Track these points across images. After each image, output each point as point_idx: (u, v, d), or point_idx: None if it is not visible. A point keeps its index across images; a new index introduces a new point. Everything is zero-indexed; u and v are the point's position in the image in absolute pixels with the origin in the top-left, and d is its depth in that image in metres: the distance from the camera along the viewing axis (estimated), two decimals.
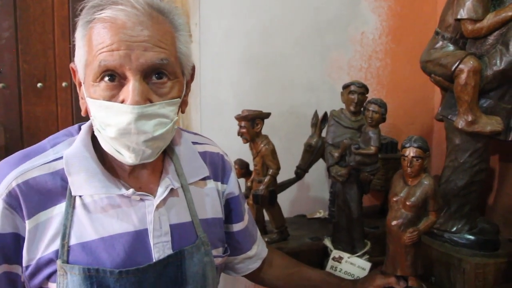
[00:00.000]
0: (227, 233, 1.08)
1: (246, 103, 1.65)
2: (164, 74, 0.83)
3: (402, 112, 2.08)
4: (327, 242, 1.51)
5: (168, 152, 0.96)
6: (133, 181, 0.91)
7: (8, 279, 0.84)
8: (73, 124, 1.00)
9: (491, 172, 1.65)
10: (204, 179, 1.01)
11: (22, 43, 2.02)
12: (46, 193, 0.84)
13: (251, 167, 1.60)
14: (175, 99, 0.85)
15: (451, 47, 1.40)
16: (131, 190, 0.87)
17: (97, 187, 0.85)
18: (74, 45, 0.86)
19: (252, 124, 1.46)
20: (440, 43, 1.42)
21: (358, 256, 1.42)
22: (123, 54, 0.78)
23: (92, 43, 0.80)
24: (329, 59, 2.00)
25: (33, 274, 0.84)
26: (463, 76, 1.29)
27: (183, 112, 0.93)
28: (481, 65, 1.29)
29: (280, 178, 1.57)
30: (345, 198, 1.45)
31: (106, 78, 0.80)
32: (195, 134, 1.10)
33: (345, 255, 1.43)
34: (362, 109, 1.47)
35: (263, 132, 1.50)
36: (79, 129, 0.93)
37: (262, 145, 1.48)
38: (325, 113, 1.62)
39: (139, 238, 0.87)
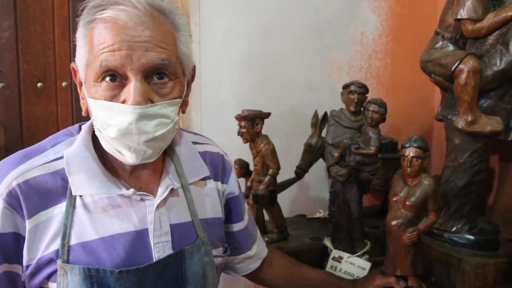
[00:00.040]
0: (227, 233, 1.09)
1: (246, 103, 1.65)
2: (165, 75, 0.83)
3: (402, 112, 2.08)
4: (327, 242, 1.51)
5: (168, 152, 0.97)
6: (133, 181, 0.91)
7: (9, 278, 0.84)
8: (73, 124, 1.00)
9: (491, 172, 1.65)
10: (204, 179, 1.01)
11: (22, 43, 2.02)
12: (47, 192, 0.84)
13: (251, 167, 1.60)
14: (176, 99, 0.85)
15: (451, 47, 1.40)
16: (132, 190, 0.87)
17: (97, 187, 0.86)
18: (74, 45, 0.86)
19: (252, 124, 1.46)
20: (440, 43, 1.42)
21: (358, 256, 1.42)
22: (125, 54, 0.78)
23: (94, 43, 0.80)
24: (329, 59, 2.00)
25: (34, 274, 0.84)
26: (463, 76, 1.29)
27: (183, 112, 0.93)
28: (481, 65, 1.29)
29: (280, 178, 1.57)
30: (345, 198, 1.46)
31: (107, 78, 0.80)
32: (196, 134, 1.10)
33: (345, 255, 1.43)
34: (362, 109, 1.47)
35: (263, 132, 1.50)
36: (80, 129, 0.93)
37: (262, 145, 1.48)
38: (325, 113, 1.62)
39: (140, 238, 0.87)
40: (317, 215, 1.88)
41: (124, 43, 0.78)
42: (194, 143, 1.04)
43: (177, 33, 0.86)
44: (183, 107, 0.92)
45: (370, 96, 1.47)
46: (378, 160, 1.43)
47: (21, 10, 2.00)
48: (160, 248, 0.88)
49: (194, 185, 0.98)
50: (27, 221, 0.82)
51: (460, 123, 1.32)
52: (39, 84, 2.07)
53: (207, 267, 0.94)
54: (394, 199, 1.17)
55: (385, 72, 2.09)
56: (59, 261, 0.82)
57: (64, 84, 2.10)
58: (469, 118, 1.30)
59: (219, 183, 1.05)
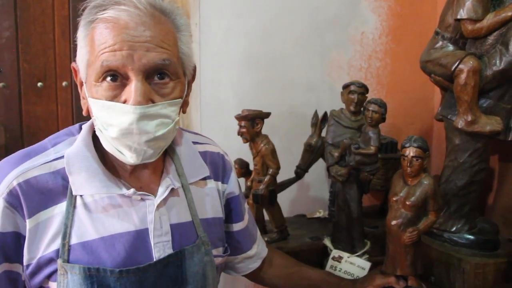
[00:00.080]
0: (227, 232, 1.09)
1: (246, 103, 1.65)
2: (166, 75, 0.83)
3: (402, 112, 2.08)
4: (327, 242, 1.51)
5: (169, 152, 0.97)
6: (134, 181, 0.91)
7: (9, 278, 0.84)
8: (73, 124, 1.00)
9: (491, 172, 1.65)
10: (204, 178, 1.01)
11: (23, 43, 2.02)
12: (47, 192, 0.84)
13: (251, 167, 1.60)
14: (177, 100, 0.85)
15: (451, 47, 1.41)
16: (132, 190, 0.87)
17: (98, 186, 0.86)
18: (75, 45, 0.86)
19: (252, 123, 1.46)
20: (440, 43, 1.42)
21: (357, 256, 1.42)
22: (126, 54, 0.78)
23: (95, 43, 0.81)
24: (329, 59, 2.00)
25: (34, 273, 0.84)
26: (463, 76, 1.29)
27: (184, 112, 0.93)
28: (481, 65, 1.29)
29: (280, 178, 1.57)
30: (345, 197, 1.46)
31: (108, 78, 0.80)
32: (196, 134, 1.10)
33: (345, 255, 1.43)
34: (362, 109, 1.47)
35: (263, 132, 1.50)
36: (80, 128, 0.93)
37: (262, 145, 1.48)
38: (325, 113, 1.62)
39: (140, 237, 0.87)
40: (317, 215, 1.89)
41: (125, 43, 0.78)
42: (195, 143, 1.04)
43: (178, 33, 0.86)
44: (184, 107, 0.92)
45: (370, 96, 1.47)
46: (378, 160, 1.43)
47: (21, 9, 2.00)
48: (160, 247, 0.88)
49: (195, 185, 0.99)
50: (27, 221, 0.82)
51: (460, 123, 1.32)
52: (39, 84, 2.07)
53: (207, 267, 0.94)
54: (394, 199, 1.18)
55: (385, 72, 2.09)
56: (59, 261, 0.82)
57: (64, 83, 2.10)
58: (469, 118, 1.30)
59: (219, 183, 1.06)
